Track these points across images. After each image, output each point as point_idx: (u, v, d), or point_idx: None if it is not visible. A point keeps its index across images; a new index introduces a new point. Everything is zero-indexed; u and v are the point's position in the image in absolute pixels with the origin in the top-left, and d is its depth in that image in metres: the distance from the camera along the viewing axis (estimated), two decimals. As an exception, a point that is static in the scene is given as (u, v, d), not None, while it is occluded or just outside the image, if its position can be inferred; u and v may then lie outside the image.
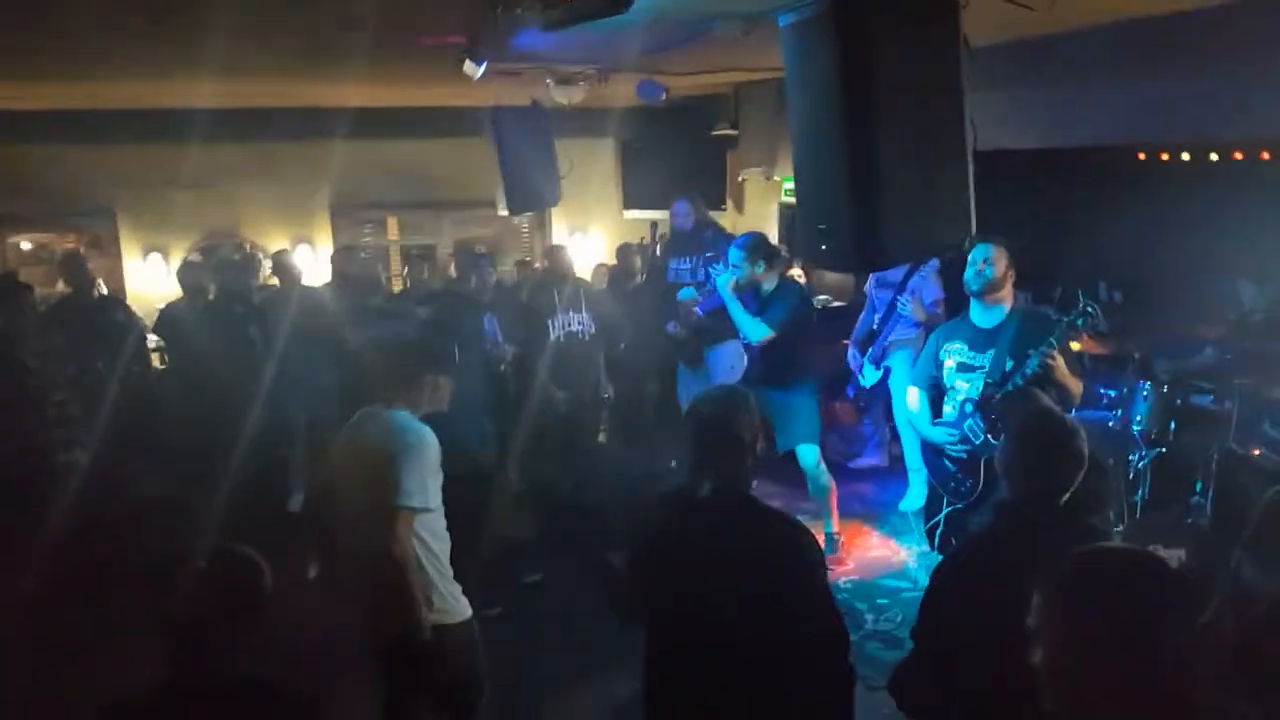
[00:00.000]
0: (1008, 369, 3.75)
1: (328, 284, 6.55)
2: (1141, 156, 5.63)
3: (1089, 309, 3.62)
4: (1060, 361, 3.63)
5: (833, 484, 5.16)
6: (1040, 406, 2.91)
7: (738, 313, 4.95)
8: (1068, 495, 2.27)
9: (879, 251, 2.53)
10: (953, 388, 3.95)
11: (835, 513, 5.18)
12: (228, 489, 5.20)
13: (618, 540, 5.00)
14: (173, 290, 6.78)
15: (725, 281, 4.97)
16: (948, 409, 3.98)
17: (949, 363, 3.96)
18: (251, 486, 5.50)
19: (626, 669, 3.97)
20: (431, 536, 3.05)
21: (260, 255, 7.11)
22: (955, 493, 3.95)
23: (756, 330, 4.90)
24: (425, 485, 2.97)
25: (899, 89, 2.50)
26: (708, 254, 6.04)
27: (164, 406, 6.21)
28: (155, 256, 8.25)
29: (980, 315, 3.93)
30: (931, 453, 4.06)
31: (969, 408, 3.85)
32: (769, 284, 4.99)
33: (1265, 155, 4.75)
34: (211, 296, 6.28)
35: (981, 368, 3.85)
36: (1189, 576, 3.01)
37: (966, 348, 3.92)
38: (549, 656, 4.21)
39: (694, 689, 2.32)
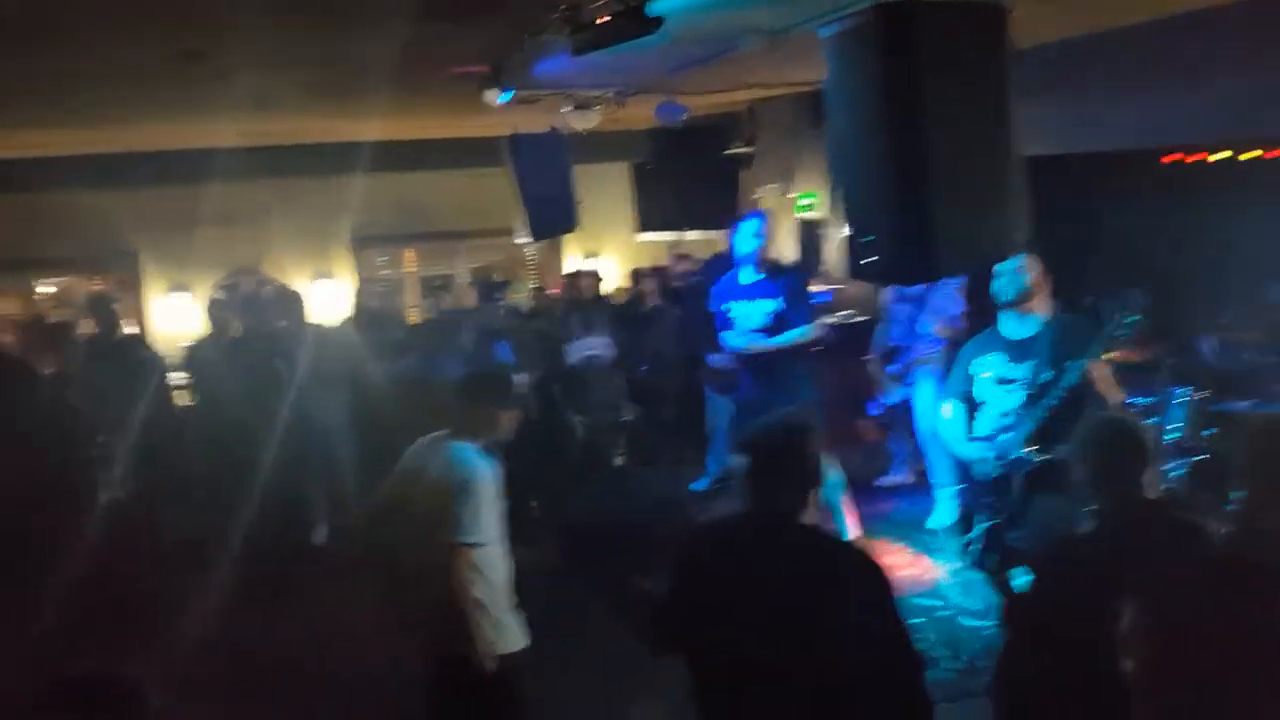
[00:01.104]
0: (1045, 380, 3.66)
1: (347, 320, 6.61)
2: (1170, 159, 5.60)
3: (1130, 319, 3.54)
4: (1103, 372, 3.55)
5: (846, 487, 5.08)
6: (1104, 416, 2.93)
7: (788, 339, 4.88)
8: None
9: (932, 262, 2.46)
10: (987, 402, 3.86)
11: (850, 516, 5.09)
12: (252, 525, 5.25)
13: (639, 565, 5.03)
14: (196, 328, 6.87)
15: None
16: (981, 423, 3.88)
17: (984, 375, 3.86)
18: (275, 522, 5.53)
19: (654, 693, 3.98)
20: (489, 568, 3.05)
21: (286, 291, 7.16)
22: (993, 508, 3.86)
23: (803, 335, 4.87)
24: (481, 519, 2.98)
25: (946, 96, 2.44)
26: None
27: (190, 444, 6.25)
28: (179, 294, 8.34)
29: (1013, 326, 3.83)
30: (966, 469, 3.97)
31: (1007, 420, 3.76)
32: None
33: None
34: (236, 333, 6.35)
35: (1019, 379, 3.75)
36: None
37: (1003, 360, 3.82)
38: (576, 683, 4.16)
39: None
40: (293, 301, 6.42)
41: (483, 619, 3.00)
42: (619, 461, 6.58)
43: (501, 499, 3.09)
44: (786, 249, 7.88)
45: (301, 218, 8.40)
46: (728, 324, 5.08)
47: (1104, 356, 3.65)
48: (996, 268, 3.78)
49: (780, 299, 4.94)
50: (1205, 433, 4.62)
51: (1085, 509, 3.98)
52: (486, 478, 3.04)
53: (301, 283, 7.64)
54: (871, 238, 2.56)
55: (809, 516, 2.28)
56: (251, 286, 7.77)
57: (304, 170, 8.02)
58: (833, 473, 4.91)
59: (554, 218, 6.18)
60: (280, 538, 5.57)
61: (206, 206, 7.70)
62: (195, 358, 6.40)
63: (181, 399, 6.72)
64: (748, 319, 5.00)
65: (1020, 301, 3.77)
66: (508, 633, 3.10)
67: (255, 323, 6.31)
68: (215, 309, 6.61)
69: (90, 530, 4.59)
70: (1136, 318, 3.54)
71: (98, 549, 4.36)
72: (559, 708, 3.86)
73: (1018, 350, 3.78)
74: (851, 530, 5.08)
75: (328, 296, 8.38)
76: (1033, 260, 3.76)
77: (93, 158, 7.53)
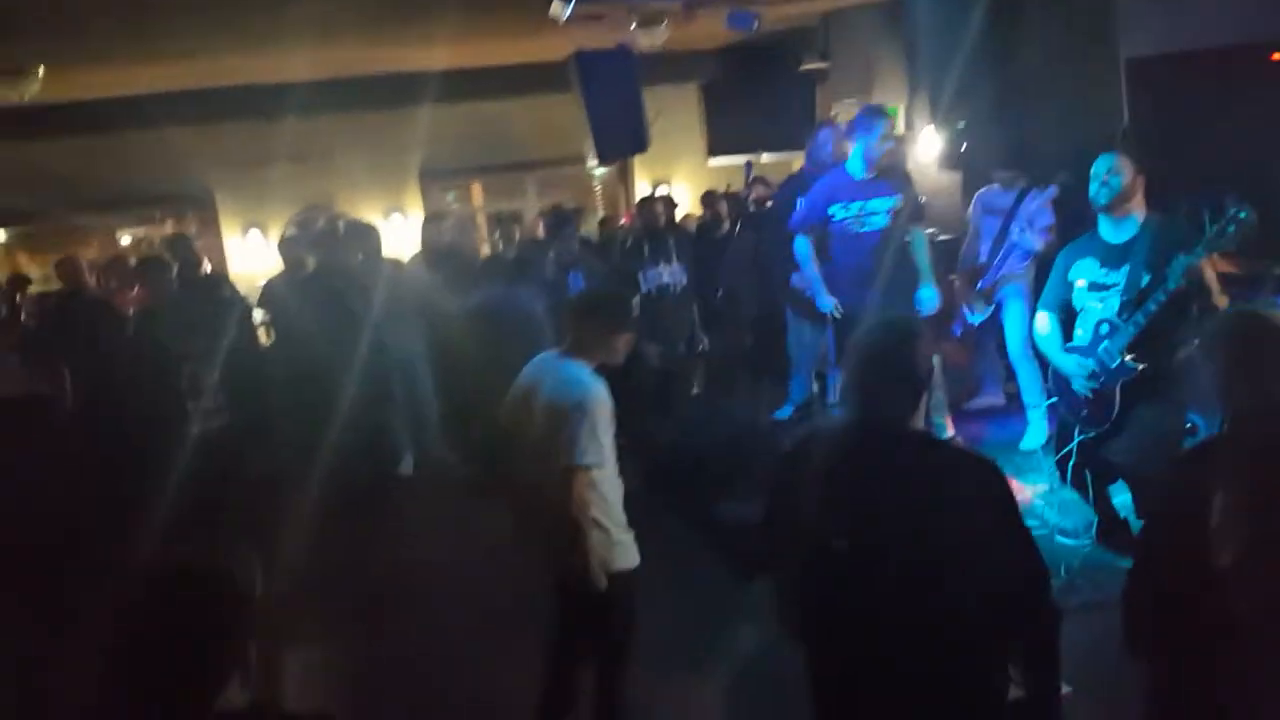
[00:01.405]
0: (1145, 284, 3.50)
1: (417, 255, 6.59)
2: (1276, 57, 5.19)
3: (1241, 214, 3.31)
4: (1210, 273, 3.33)
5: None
6: (1238, 308, 2.71)
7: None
8: None
9: (1024, 149, 2.32)
10: (1084, 310, 3.72)
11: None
12: (337, 458, 5.33)
13: (723, 492, 4.97)
14: (273, 266, 6.93)
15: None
16: (1078, 333, 3.76)
17: (1079, 283, 3.72)
18: (360, 454, 5.62)
19: (745, 619, 3.95)
20: (606, 488, 3.06)
21: (360, 225, 7.18)
22: (1089, 420, 3.74)
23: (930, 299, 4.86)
24: (599, 441, 2.97)
25: None
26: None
27: (272, 380, 6.35)
28: (254, 233, 8.44)
29: (1110, 230, 3.68)
30: (1063, 380, 3.84)
31: (1104, 329, 3.62)
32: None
33: None
34: (311, 269, 6.37)
35: (1116, 285, 3.60)
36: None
37: (1098, 265, 3.68)
38: (667, 606, 4.16)
39: (869, 634, 2.10)
40: (367, 235, 6.41)
41: (600, 538, 3.02)
42: (695, 391, 6.49)
43: (613, 421, 3.06)
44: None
45: (372, 152, 8.40)
46: (832, 227, 4.91)
47: (1207, 259, 3.42)
48: (1092, 170, 3.64)
49: (898, 196, 4.85)
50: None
51: (1188, 421, 3.83)
52: (600, 398, 3.01)
53: (374, 218, 7.62)
54: (964, 123, 2.43)
55: (917, 424, 2.17)
56: (324, 223, 7.81)
57: (373, 103, 7.99)
58: (936, 392, 4.82)
59: (623, 138, 6.01)
60: (367, 469, 5.66)
61: (278, 143, 7.74)
62: (271, 295, 6.47)
63: (262, 336, 6.83)
64: (863, 220, 4.86)
65: (1115, 205, 3.61)
66: (623, 551, 3.12)
67: (329, 258, 6.31)
68: (288, 246, 6.63)
69: (183, 458, 4.74)
70: (1244, 215, 3.32)
71: (190, 478, 4.50)
72: (654, 629, 3.87)
73: (1114, 254, 3.62)
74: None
75: (400, 232, 8.39)
76: (1126, 161, 3.59)
77: (164, 95, 7.57)
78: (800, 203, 5.22)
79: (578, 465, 2.94)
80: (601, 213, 8.91)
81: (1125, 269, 3.58)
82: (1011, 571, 2.05)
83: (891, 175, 4.97)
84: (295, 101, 7.12)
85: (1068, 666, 3.17)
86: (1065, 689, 3.09)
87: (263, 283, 6.68)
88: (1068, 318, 3.82)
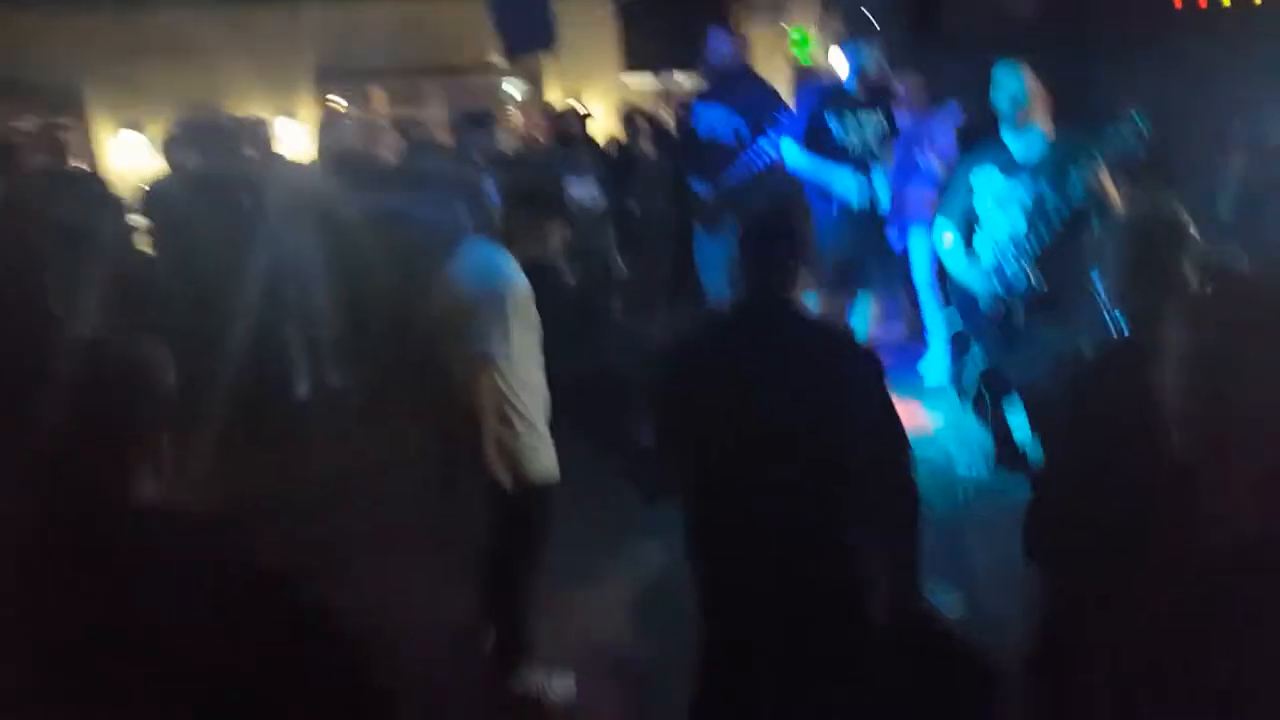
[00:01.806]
0: (1048, 197, 3.52)
1: (316, 158, 6.21)
2: (1178, 4, 5.31)
3: (1137, 118, 3.34)
4: (1110, 185, 3.37)
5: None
6: (1136, 212, 2.73)
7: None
8: None
9: (940, 18, 2.32)
10: (987, 223, 3.72)
11: None
12: (230, 375, 5.05)
13: (637, 416, 4.92)
14: (151, 168, 6.45)
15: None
16: (981, 247, 3.76)
17: (982, 194, 3.71)
18: (254, 372, 5.35)
19: (656, 541, 3.95)
20: (521, 387, 2.91)
21: (247, 124, 6.70)
22: (991, 337, 3.81)
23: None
24: (511, 333, 2.82)
25: None
26: (746, 107, 5.00)
27: (158, 289, 5.94)
28: (129, 133, 7.81)
29: (1013, 142, 3.67)
30: (965, 296, 3.86)
31: (1008, 245, 3.64)
32: None
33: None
34: (197, 170, 5.93)
35: (1019, 198, 3.61)
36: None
37: (1001, 177, 3.67)
38: (577, 529, 4.14)
39: (742, 512, 2.22)
40: (259, 132, 6.01)
41: (507, 436, 2.89)
42: (613, 312, 6.38)
43: (535, 318, 2.93)
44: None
45: (260, 50, 7.81)
46: (818, 142, 4.66)
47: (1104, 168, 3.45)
48: (995, 78, 3.63)
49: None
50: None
51: (1090, 339, 3.96)
52: (518, 289, 2.86)
53: (261, 119, 7.12)
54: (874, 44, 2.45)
55: (798, 300, 2.24)
56: (211, 122, 7.28)
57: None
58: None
59: (530, 33, 5.71)
60: (257, 390, 5.39)
61: (155, 36, 7.12)
62: (154, 199, 6.01)
63: (143, 242, 6.37)
64: (862, 127, 4.69)
65: (1018, 114, 3.59)
66: (533, 456, 2.98)
67: (218, 156, 5.88)
68: (173, 146, 6.17)
69: (65, 361, 4.39)
70: (1138, 119, 3.35)
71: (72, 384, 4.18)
72: (564, 548, 3.84)
73: (1017, 166, 3.62)
74: None
75: (292, 136, 7.91)
76: (1030, 73, 3.60)
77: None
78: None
79: (484, 355, 2.80)
80: (515, 125, 8.59)
81: (1028, 181, 3.58)
82: (876, 442, 2.18)
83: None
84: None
85: (966, 583, 3.32)
86: (957, 600, 3.23)
87: (140, 185, 6.21)
88: (969, 230, 3.80)
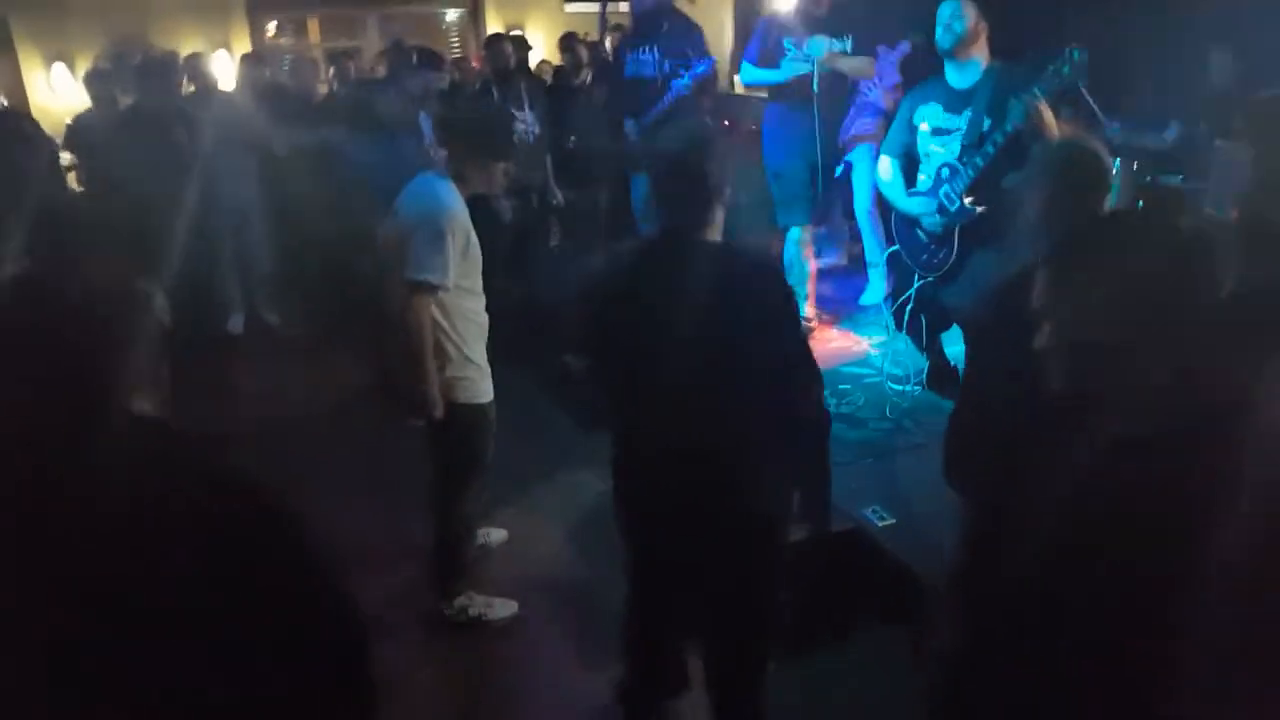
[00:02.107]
0: (986, 128, 3.60)
1: (248, 89, 6.09)
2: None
3: (1075, 53, 3.40)
4: (1048, 114, 3.43)
5: (813, 269, 5.10)
6: (1064, 139, 2.84)
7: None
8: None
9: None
10: (927, 155, 3.80)
11: (811, 298, 5.16)
12: (159, 314, 5.01)
13: (574, 345, 4.97)
14: (81, 103, 6.29)
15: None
16: (921, 178, 3.84)
17: (923, 127, 3.79)
18: (185, 310, 5.30)
19: (591, 469, 4.04)
20: (458, 315, 2.96)
21: (179, 57, 6.52)
22: (928, 265, 3.88)
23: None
24: (445, 258, 2.83)
25: None
26: (671, 46, 5.21)
27: (84, 229, 5.83)
28: (59, 67, 7.58)
29: (954, 75, 3.74)
30: (904, 225, 3.94)
31: (945, 172, 3.72)
32: None
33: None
34: (126, 104, 5.81)
35: (958, 129, 3.69)
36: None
37: (941, 109, 3.75)
38: (509, 458, 4.22)
39: (660, 439, 2.26)
40: (192, 66, 5.88)
41: (442, 363, 2.95)
42: (552, 244, 6.38)
43: (473, 245, 2.95)
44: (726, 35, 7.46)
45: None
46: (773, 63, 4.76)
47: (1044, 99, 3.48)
48: (936, 13, 3.67)
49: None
50: (1138, 204, 4.63)
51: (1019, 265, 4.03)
52: (453, 216, 2.86)
53: (195, 52, 6.93)
54: None
55: (714, 233, 2.26)
56: (141, 56, 7.09)
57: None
58: (806, 264, 4.96)
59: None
60: (193, 326, 5.35)
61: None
62: (81, 134, 5.88)
63: (70, 181, 6.24)
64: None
65: (959, 49, 3.66)
66: (468, 385, 3.04)
67: (150, 90, 5.74)
68: (97, 80, 6.03)
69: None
70: (1077, 55, 3.41)
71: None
72: (499, 479, 3.92)
73: (957, 99, 3.70)
74: (807, 311, 5.11)
75: (225, 70, 7.72)
76: (970, 6, 3.64)
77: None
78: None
79: (416, 280, 2.82)
80: (455, 54, 8.43)
81: (967, 113, 3.66)
82: (786, 370, 2.21)
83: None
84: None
85: (894, 502, 3.43)
86: (888, 519, 3.36)
87: (69, 121, 6.06)
88: (910, 164, 3.89)
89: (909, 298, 3.99)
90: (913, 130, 3.83)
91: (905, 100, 3.96)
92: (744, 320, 2.15)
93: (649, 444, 2.31)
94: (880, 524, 3.33)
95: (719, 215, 2.27)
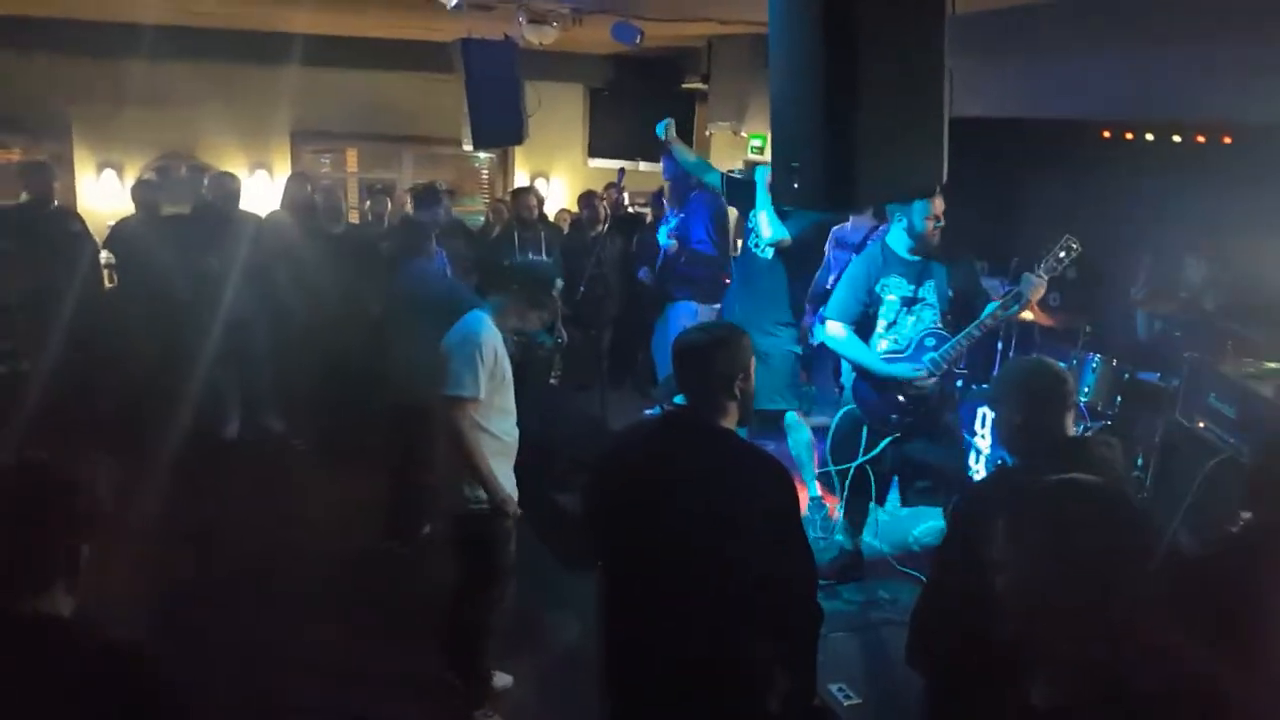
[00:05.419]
0: (949, 298, 3.93)
1: (281, 209, 6.51)
2: (1105, 134, 5.74)
3: (1073, 243, 3.73)
4: (1039, 294, 3.76)
5: (814, 443, 5.01)
6: (1025, 358, 3.08)
7: (764, 199, 4.77)
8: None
9: (850, 191, 2.54)
10: (894, 323, 4.01)
11: (816, 464, 5.01)
12: (161, 415, 5.38)
13: (564, 483, 5.08)
14: (125, 208, 6.67)
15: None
16: (887, 341, 4.02)
17: (890, 298, 4.01)
18: (184, 409, 5.58)
19: (574, 611, 4.08)
20: (487, 427, 3.28)
21: (222, 177, 6.95)
22: (897, 426, 4.03)
23: (776, 229, 4.74)
24: (479, 374, 3.16)
25: (881, 42, 2.49)
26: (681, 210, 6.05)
27: (114, 323, 6.13)
28: (109, 173, 8.04)
29: (905, 252, 4.02)
30: (875, 386, 4.04)
31: (930, 340, 3.95)
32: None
33: (1227, 139, 4.85)
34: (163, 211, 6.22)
35: (925, 300, 3.96)
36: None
37: (905, 282, 3.99)
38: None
39: (648, 620, 2.27)
40: (226, 185, 6.28)
41: (473, 476, 3.25)
42: (553, 381, 6.61)
43: (504, 368, 3.29)
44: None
45: (239, 106, 8.09)
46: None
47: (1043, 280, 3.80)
48: (922, 210, 3.90)
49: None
50: (1116, 399, 4.80)
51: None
52: (488, 338, 3.21)
53: (238, 174, 7.38)
54: (797, 164, 2.63)
55: (728, 423, 2.31)
56: (185, 171, 7.57)
57: (242, 56, 7.69)
58: (805, 431, 4.94)
59: (500, 128, 6.04)
60: (191, 429, 5.57)
61: (138, 83, 7.39)
62: (120, 236, 6.24)
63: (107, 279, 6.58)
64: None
65: (927, 234, 3.93)
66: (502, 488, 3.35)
67: (184, 200, 6.15)
68: (144, 189, 6.43)
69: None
70: (1076, 245, 3.74)
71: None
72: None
73: (914, 272, 3.98)
74: (816, 488, 4.99)
75: (264, 190, 8.18)
76: (940, 200, 3.89)
77: (25, 20, 7.10)
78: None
79: (453, 395, 3.15)
80: (484, 197, 8.93)
81: (930, 284, 3.96)
82: (785, 568, 2.21)
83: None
84: (157, 45, 6.79)
85: (860, 678, 3.44)
86: (854, 699, 3.38)
87: (111, 223, 6.43)
88: (864, 331, 4.08)
89: (873, 455, 4.08)
90: (874, 300, 4.02)
91: (862, 268, 4.11)
92: (747, 512, 2.16)
93: (639, 617, 2.30)
94: (846, 703, 3.32)
95: (734, 405, 2.31)
